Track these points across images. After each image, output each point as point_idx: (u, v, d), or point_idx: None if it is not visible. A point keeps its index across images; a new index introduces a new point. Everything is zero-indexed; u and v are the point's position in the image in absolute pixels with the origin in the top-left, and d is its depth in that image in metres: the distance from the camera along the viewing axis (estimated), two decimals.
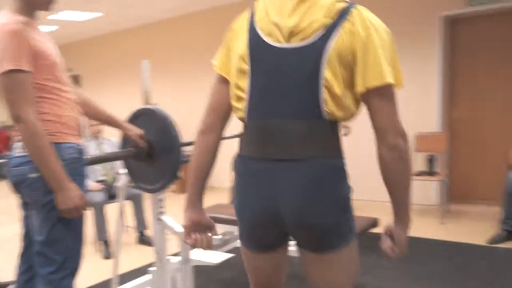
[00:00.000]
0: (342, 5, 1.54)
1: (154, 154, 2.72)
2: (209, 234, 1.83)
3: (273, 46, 1.57)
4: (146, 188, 2.90)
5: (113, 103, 9.18)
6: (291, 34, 1.54)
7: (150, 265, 3.87)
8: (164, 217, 3.17)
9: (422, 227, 5.21)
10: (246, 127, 1.67)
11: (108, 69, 9.73)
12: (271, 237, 1.71)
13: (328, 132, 1.56)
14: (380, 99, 1.52)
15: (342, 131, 2.23)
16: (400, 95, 5.24)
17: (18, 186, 2.17)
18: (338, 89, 1.51)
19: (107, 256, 4.73)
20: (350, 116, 1.59)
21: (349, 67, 1.52)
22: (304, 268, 1.72)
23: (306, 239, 1.64)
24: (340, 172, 1.60)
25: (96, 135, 5.30)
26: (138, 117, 2.81)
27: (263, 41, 1.59)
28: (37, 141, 2.02)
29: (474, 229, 5.05)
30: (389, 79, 1.50)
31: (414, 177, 5.66)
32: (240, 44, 1.64)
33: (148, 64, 3.11)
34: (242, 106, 1.64)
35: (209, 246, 1.81)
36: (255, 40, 1.60)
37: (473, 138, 6.09)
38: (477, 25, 5.93)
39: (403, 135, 1.53)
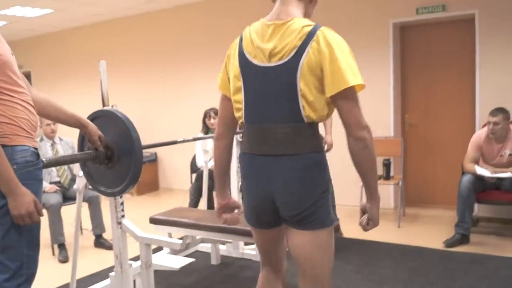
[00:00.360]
0: (308, 28, 1.94)
1: (114, 157, 2.66)
2: (236, 212, 2.31)
3: (259, 66, 2.00)
4: (106, 192, 2.84)
5: (68, 104, 8.96)
6: (271, 55, 1.96)
7: (110, 269, 3.80)
8: (124, 221, 3.12)
9: (380, 231, 5.24)
10: (246, 130, 2.10)
11: (62, 67, 9.47)
12: (268, 216, 2.11)
13: (308, 132, 1.98)
14: (345, 100, 1.92)
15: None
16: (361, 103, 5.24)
17: None
18: (311, 96, 1.93)
19: (64, 260, 4.63)
20: (325, 116, 2.01)
21: (318, 77, 1.92)
22: (288, 243, 2.13)
23: (290, 217, 2.03)
24: (320, 164, 2.03)
25: (50, 136, 5.17)
26: (96, 119, 2.75)
27: (251, 62, 2.02)
28: None
29: (430, 232, 5.15)
30: (350, 83, 1.88)
31: None
32: (233, 67, 2.08)
33: (105, 64, 3.05)
34: (241, 115, 2.09)
35: (235, 222, 2.30)
36: (244, 62, 2.04)
37: (426, 142, 6.21)
38: (425, 33, 6.07)
39: (366, 127, 1.93)
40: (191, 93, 7.75)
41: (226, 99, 2.18)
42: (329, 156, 4.67)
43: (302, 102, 1.93)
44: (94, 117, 2.75)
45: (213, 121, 5.93)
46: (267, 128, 2.00)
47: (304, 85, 1.91)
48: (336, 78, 1.88)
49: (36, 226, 2.12)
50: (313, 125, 1.99)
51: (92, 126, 2.58)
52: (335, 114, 2.01)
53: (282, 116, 1.97)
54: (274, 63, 1.96)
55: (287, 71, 1.93)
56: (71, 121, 2.55)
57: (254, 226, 2.23)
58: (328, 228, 2.06)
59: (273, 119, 1.98)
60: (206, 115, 5.99)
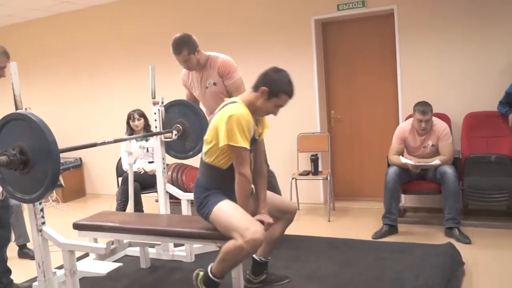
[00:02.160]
0: (222, 105, 3.20)
1: (29, 162, 2.56)
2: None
3: None
4: (23, 199, 2.73)
5: None
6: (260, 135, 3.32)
7: (34, 279, 3.66)
8: (45, 228, 3.00)
9: (310, 226, 5.33)
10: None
11: None
12: None
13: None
14: (230, 151, 3.05)
15: None
16: None
17: None
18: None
19: None
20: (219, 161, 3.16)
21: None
22: None
23: None
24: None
25: None
26: (9, 123, 2.63)
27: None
28: None
29: (360, 225, 5.26)
30: (226, 143, 2.99)
31: (299, 177, 5.80)
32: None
33: (17, 66, 2.92)
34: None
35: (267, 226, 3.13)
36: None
37: (353, 137, 6.34)
38: (347, 29, 6.20)
39: (241, 174, 3.04)
40: (113, 95, 7.58)
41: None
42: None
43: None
44: (6, 121, 2.63)
45: (137, 123, 5.83)
46: None
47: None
48: (220, 137, 3.03)
49: None
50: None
51: None
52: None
53: None
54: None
55: None
56: None
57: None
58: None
59: None
60: (130, 117, 5.88)
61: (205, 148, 3.18)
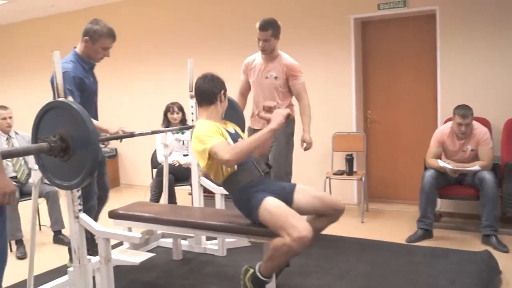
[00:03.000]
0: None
1: (69, 149, 2.59)
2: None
3: None
4: (62, 185, 2.76)
5: (21, 96, 8.79)
6: None
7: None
8: (82, 215, 3.04)
9: (342, 226, 5.24)
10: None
11: (11, 60, 9.28)
12: None
13: None
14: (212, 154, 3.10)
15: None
16: (319, 96, 5.36)
17: None
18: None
19: (22, 257, 4.54)
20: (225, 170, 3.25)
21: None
22: None
23: None
24: None
25: (5, 130, 5.03)
26: (50, 111, 2.66)
27: None
28: None
29: (393, 228, 5.19)
30: (207, 150, 3.09)
31: (333, 176, 5.75)
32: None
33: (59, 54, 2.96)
34: None
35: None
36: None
37: (389, 138, 6.25)
38: (387, 28, 6.11)
39: (225, 162, 3.05)
40: (150, 88, 7.64)
41: None
42: (294, 151, 4.63)
43: None
44: (48, 108, 2.67)
45: (175, 116, 5.86)
46: None
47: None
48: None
49: (5, 217, 2.17)
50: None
51: None
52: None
53: None
54: None
55: None
56: None
57: None
58: None
59: None
60: (169, 109, 5.92)
61: (210, 173, 3.31)
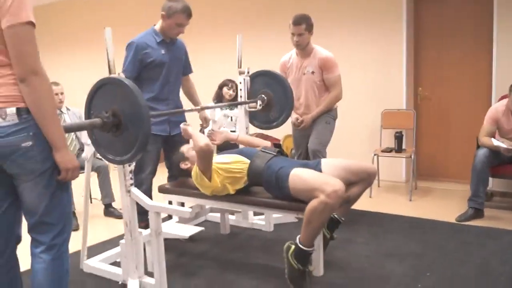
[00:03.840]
0: None
1: (121, 125, 2.63)
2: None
3: None
4: (114, 160, 2.82)
5: (74, 73, 8.95)
6: None
7: (120, 237, 3.82)
8: (133, 189, 3.10)
9: (390, 204, 5.24)
10: None
11: (65, 37, 9.41)
12: None
13: None
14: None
15: None
16: (368, 73, 5.31)
17: (5, 158, 2.06)
18: None
19: (75, 228, 4.65)
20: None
21: None
22: None
23: None
24: None
25: (57, 106, 5.14)
26: (102, 87, 2.70)
27: None
28: (52, 96, 2.08)
29: (442, 206, 5.10)
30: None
31: (381, 153, 5.68)
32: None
33: (111, 31, 3.00)
34: None
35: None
36: None
37: (440, 115, 6.12)
38: (439, 5, 5.94)
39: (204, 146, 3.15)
40: (205, 62, 7.67)
41: None
42: (342, 128, 4.61)
43: None
44: (100, 85, 2.71)
45: (231, 92, 5.84)
46: None
47: None
48: None
49: (71, 187, 2.30)
50: None
51: None
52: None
53: None
54: None
55: None
56: None
57: None
58: None
59: None
60: (227, 84, 5.90)
61: (228, 187, 3.37)
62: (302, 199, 3.07)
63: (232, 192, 3.36)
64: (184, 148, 3.60)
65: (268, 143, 3.82)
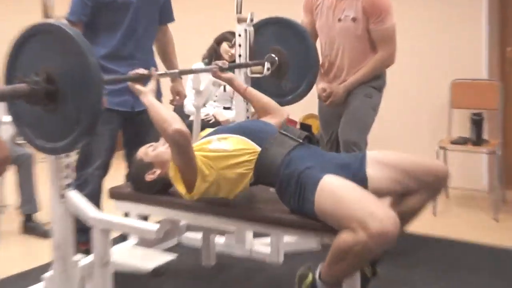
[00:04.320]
0: None
1: (58, 94, 2.64)
2: None
3: None
4: (44, 147, 2.83)
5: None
6: None
7: (44, 268, 3.80)
8: (71, 193, 3.11)
9: (466, 225, 5.23)
10: None
11: None
12: None
13: None
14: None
15: None
16: (431, 32, 5.31)
17: None
18: None
19: None
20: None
21: None
22: None
23: None
24: None
25: None
26: (32, 38, 2.72)
27: None
28: None
29: None
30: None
31: (450, 146, 5.70)
32: None
33: None
34: None
35: None
36: None
37: None
38: None
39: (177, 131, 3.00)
40: (194, 7, 7.69)
41: None
42: (390, 108, 4.65)
43: None
44: (29, 34, 2.72)
45: (233, 51, 5.67)
46: None
47: None
48: None
49: None
50: None
51: None
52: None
53: None
54: None
55: None
56: None
57: None
58: None
59: None
60: (226, 38, 5.78)
61: (234, 189, 3.27)
62: (330, 225, 2.94)
63: (231, 197, 3.27)
64: (141, 152, 3.51)
65: (286, 114, 3.76)
